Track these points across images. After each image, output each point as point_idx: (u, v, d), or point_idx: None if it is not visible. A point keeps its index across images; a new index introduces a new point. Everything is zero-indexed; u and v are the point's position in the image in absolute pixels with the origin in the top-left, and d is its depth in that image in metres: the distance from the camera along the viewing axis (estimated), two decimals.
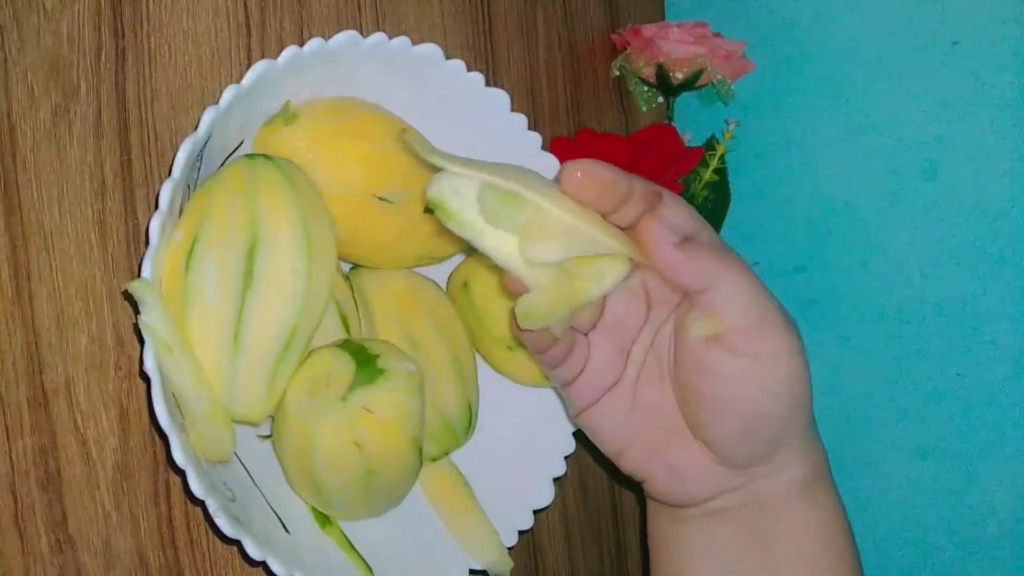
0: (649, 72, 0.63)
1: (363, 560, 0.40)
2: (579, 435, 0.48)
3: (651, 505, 0.39)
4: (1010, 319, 0.60)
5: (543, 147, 0.46)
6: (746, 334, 0.33)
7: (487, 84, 0.44)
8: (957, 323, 0.62)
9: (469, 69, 0.43)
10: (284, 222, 0.36)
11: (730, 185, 0.65)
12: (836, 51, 0.66)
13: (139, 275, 0.33)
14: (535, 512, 0.46)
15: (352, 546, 0.41)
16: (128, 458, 0.38)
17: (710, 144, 0.64)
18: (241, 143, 0.39)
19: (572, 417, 0.39)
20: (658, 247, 0.32)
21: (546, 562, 0.56)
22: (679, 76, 0.63)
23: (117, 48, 0.38)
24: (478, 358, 0.48)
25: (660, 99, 0.66)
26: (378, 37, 0.39)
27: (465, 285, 0.46)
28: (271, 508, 0.39)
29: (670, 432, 0.36)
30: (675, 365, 0.36)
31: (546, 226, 0.31)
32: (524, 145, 0.45)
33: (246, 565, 0.41)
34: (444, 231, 0.43)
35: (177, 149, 0.33)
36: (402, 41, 0.40)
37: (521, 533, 0.46)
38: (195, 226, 0.35)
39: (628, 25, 0.64)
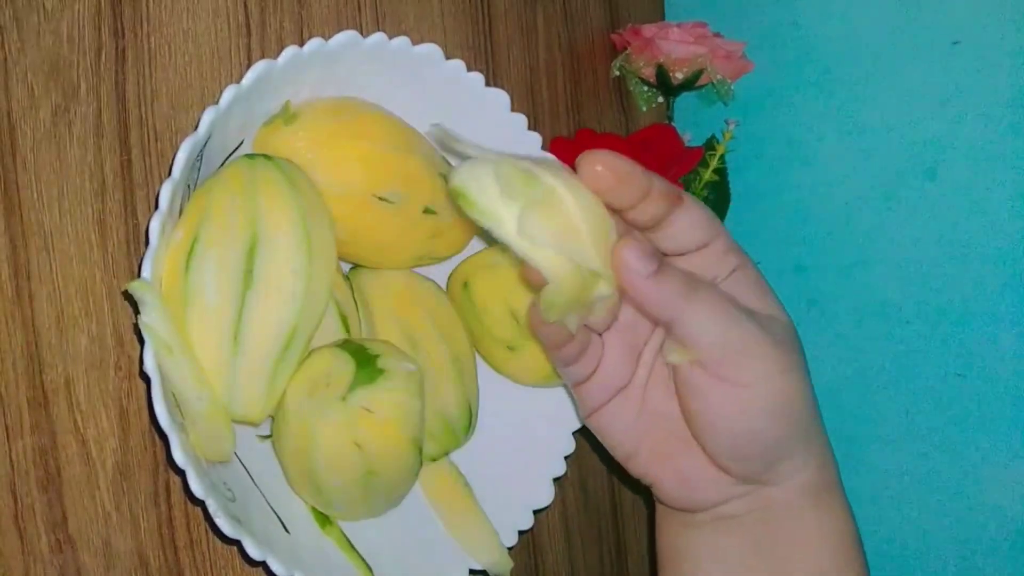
0: (649, 72, 0.63)
1: (363, 560, 0.40)
2: (579, 435, 0.48)
3: (660, 511, 0.39)
4: (1010, 319, 0.60)
5: (543, 147, 0.46)
6: (722, 363, 0.33)
7: (487, 84, 0.44)
8: (957, 323, 0.62)
9: (469, 69, 0.43)
10: (284, 222, 0.36)
11: (730, 185, 0.65)
12: (836, 51, 0.66)
13: (139, 275, 0.33)
14: (535, 512, 0.46)
15: (352, 546, 0.41)
16: (128, 458, 0.38)
17: (710, 144, 0.64)
18: (241, 143, 0.39)
19: (582, 418, 0.39)
20: (626, 275, 0.32)
21: (546, 562, 0.56)
22: (679, 76, 0.63)
23: (117, 48, 0.38)
24: (478, 358, 0.48)
25: (660, 99, 0.66)
26: (378, 37, 0.39)
27: (465, 285, 0.46)
28: (271, 508, 0.39)
29: (677, 437, 0.36)
30: (673, 378, 0.36)
31: (552, 210, 0.31)
32: (524, 145, 0.45)
33: (246, 565, 0.41)
34: (443, 232, 0.44)
35: (177, 149, 0.33)
36: (402, 41, 0.40)
37: (521, 533, 0.46)
38: (195, 226, 0.35)
39: (628, 25, 0.64)
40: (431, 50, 0.42)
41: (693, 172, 0.63)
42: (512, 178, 0.31)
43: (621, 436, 0.38)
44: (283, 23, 0.44)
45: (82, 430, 0.37)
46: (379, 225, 0.41)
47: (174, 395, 0.34)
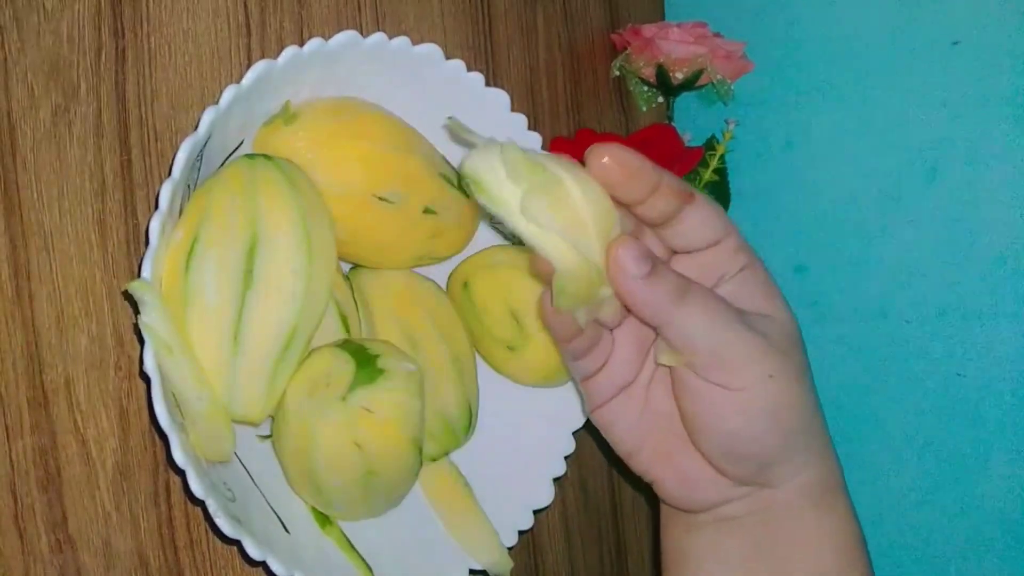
0: (649, 72, 0.63)
1: (363, 560, 0.40)
2: (579, 435, 0.48)
3: (664, 512, 0.39)
4: (1010, 319, 0.60)
5: (543, 147, 0.46)
6: (709, 367, 0.33)
7: (487, 84, 0.44)
8: (957, 323, 0.62)
9: (469, 69, 0.43)
10: (284, 222, 0.36)
11: (730, 185, 0.65)
12: (836, 51, 0.66)
13: (139, 275, 0.33)
14: (535, 512, 0.46)
15: (352, 546, 0.41)
16: (128, 458, 0.38)
17: (710, 144, 0.64)
18: (241, 143, 0.39)
19: (587, 412, 0.39)
20: (618, 276, 0.32)
21: (546, 562, 0.56)
22: (679, 76, 0.63)
23: (117, 48, 0.38)
24: (478, 358, 0.48)
25: (660, 99, 0.66)
26: (378, 37, 0.39)
27: (465, 285, 0.46)
28: (271, 508, 0.39)
29: (678, 436, 0.36)
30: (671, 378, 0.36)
31: (556, 197, 0.31)
32: (524, 145, 0.45)
33: (246, 565, 0.41)
34: (443, 232, 0.44)
35: (177, 149, 0.33)
36: (402, 41, 0.40)
37: (521, 533, 0.46)
38: (195, 226, 0.35)
39: (628, 25, 0.64)
40: (431, 50, 0.42)
41: (693, 172, 0.63)
42: (518, 163, 0.31)
43: (624, 433, 0.38)
44: (283, 23, 0.44)
45: (82, 430, 0.37)
46: (379, 225, 0.41)
47: (174, 395, 0.34)
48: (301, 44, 0.37)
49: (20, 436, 0.35)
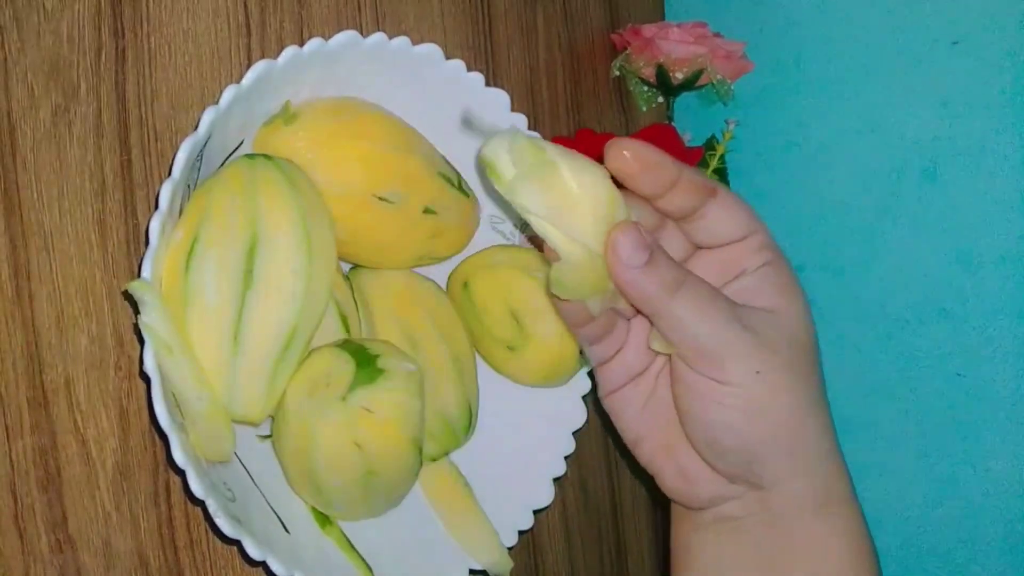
0: (649, 72, 0.63)
1: (363, 560, 0.40)
2: (579, 435, 0.48)
3: (673, 510, 0.39)
4: (1010, 319, 0.60)
5: None
6: (697, 359, 0.33)
7: (487, 84, 0.44)
8: (957, 323, 0.62)
9: (469, 69, 0.43)
10: (284, 222, 0.36)
11: (730, 185, 0.65)
12: (836, 51, 0.66)
13: (139, 275, 0.33)
14: (535, 512, 0.46)
15: (352, 546, 0.41)
16: (128, 458, 0.38)
17: (710, 144, 0.64)
18: (241, 143, 0.39)
19: (601, 397, 0.39)
20: (614, 263, 0.32)
21: (546, 562, 0.56)
22: (679, 76, 0.63)
23: (117, 48, 0.38)
24: (478, 358, 0.48)
25: (660, 99, 0.66)
26: (378, 37, 0.39)
27: (465, 285, 0.46)
28: (271, 508, 0.39)
29: (679, 429, 0.36)
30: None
31: (549, 183, 0.31)
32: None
33: (246, 565, 0.41)
34: (443, 232, 0.44)
35: (177, 149, 0.33)
36: (402, 41, 0.40)
37: (521, 533, 0.46)
38: (195, 226, 0.35)
39: (628, 25, 0.64)
40: (431, 50, 0.42)
41: None
42: (522, 149, 0.31)
43: (629, 421, 0.38)
44: (283, 23, 0.44)
45: (82, 430, 0.37)
46: (379, 225, 0.41)
47: (174, 395, 0.34)
48: (301, 44, 0.37)
49: (20, 436, 0.35)
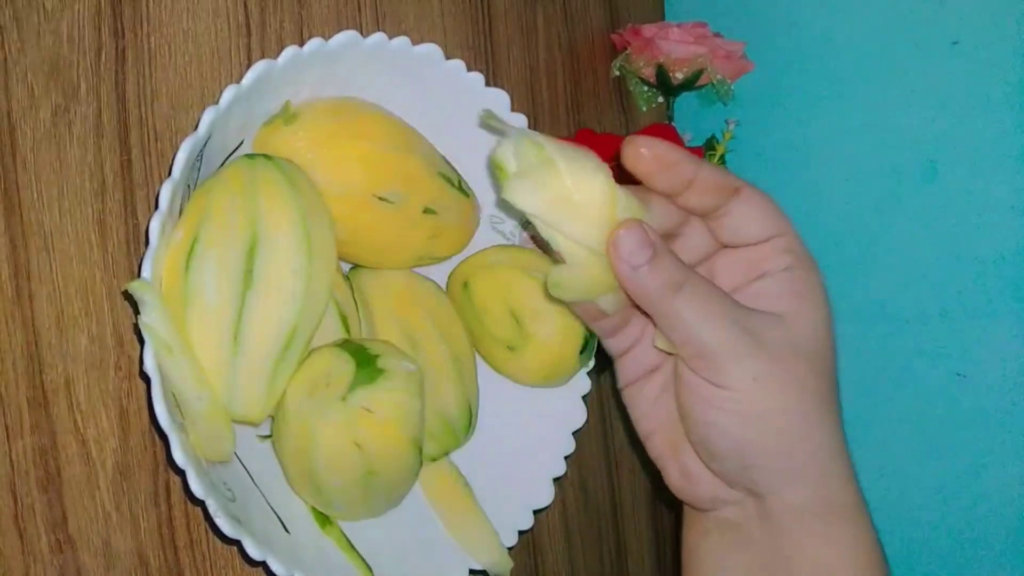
0: (649, 72, 0.63)
1: (363, 560, 0.40)
2: (579, 435, 0.48)
3: (684, 513, 0.39)
4: (1010, 319, 0.60)
5: None
6: (693, 362, 0.33)
7: (487, 84, 0.44)
8: (957, 323, 0.62)
9: (469, 69, 0.43)
10: (284, 222, 0.36)
11: None
12: (836, 51, 0.66)
13: (139, 275, 0.33)
14: (535, 512, 0.46)
15: (352, 546, 0.41)
16: (128, 458, 0.38)
17: (710, 144, 0.64)
18: (241, 143, 0.39)
19: (619, 387, 0.39)
20: (616, 261, 0.32)
21: (546, 562, 0.56)
22: (679, 76, 0.63)
23: (117, 48, 0.38)
24: (478, 358, 0.48)
25: (660, 99, 0.66)
26: (378, 37, 0.39)
27: (465, 285, 0.46)
28: (271, 508, 0.39)
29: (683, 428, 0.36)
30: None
31: (546, 182, 0.31)
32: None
33: (246, 565, 0.41)
34: (443, 232, 0.44)
35: (177, 149, 0.33)
36: (402, 41, 0.40)
37: (521, 533, 0.46)
38: (195, 226, 0.35)
39: (628, 25, 0.64)
40: (431, 50, 0.42)
41: None
42: (526, 149, 0.31)
43: (642, 415, 0.38)
44: (283, 23, 0.44)
45: (82, 430, 0.37)
46: (379, 225, 0.41)
47: (174, 395, 0.34)
48: (301, 44, 0.37)
49: (20, 436, 0.35)
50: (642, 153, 0.32)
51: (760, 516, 0.35)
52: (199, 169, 0.36)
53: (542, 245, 0.46)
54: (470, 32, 0.53)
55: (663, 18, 0.72)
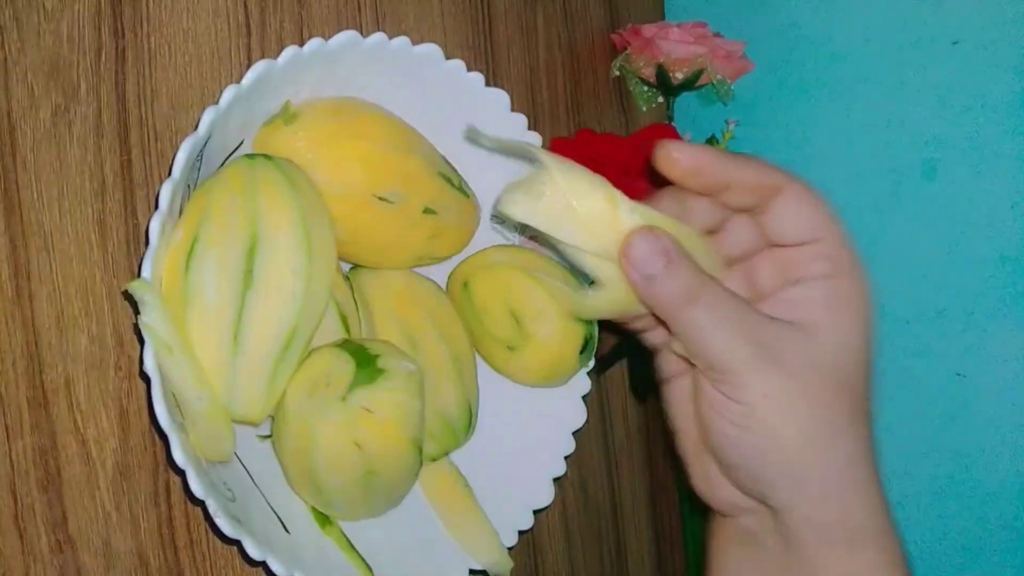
0: (649, 72, 0.63)
1: (363, 560, 0.40)
2: (579, 435, 0.48)
3: (710, 516, 0.39)
4: (1010, 319, 0.60)
5: (543, 147, 0.46)
6: (707, 373, 0.33)
7: (487, 84, 0.44)
8: (957, 323, 0.62)
9: (469, 69, 0.43)
10: (284, 222, 0.36)
11: None
12: (836, 51, 0.66)
13: (139, 275, 0.33)
14: (535, 512, 0.46)
15: (352, 546, 0.41)
16: (128, 458, 0.38)
17: (710, 144, 0.64)
18: (241, 143, 0.39)
19: (659, 382, 0.38)
20: (628, 270, 0.31)
21: (546, 562, 0.56)
22: (679, 76, 0.63)
23: (117, 48, 0.38)
24: (478, 358, 0.48)
25: (660, 99, 0.66)
26: (378, 37, 0.39)
27: (465, 285, 0.46)
28: (271, 508, 0.39)
29: None
30: None
31: (540, 190, 0.31)
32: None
33: (246, 565, 0.41)
34: (443, 232, 0.44)
35: (177, 149, 0.33)
36: (402, 41, 0.40)
37: (521, 533, 0.46)
38: (195, 226, 0.35)
39: (628, 25, 0.64)
40: (431, 50, 0.42)
41: None
42: (529, 186, 0.31)
43: (675, 412, 0.37)
44: (283, 23, 0.44)
45: (82, 430, 0.37)
46: (379, 225, 0.41)
47: (174, 395, 0.34)
48: (301, 44, 0.37)
49: (20, 436, 0.35)
50: (675, 158, 0.31)
51: (776, 529, 0.34)
52: (199, 169, 0.36)
53: (552, 245, 0.46)
54: (470, 32, 0.53)
55: (663, 18, 0.72)
